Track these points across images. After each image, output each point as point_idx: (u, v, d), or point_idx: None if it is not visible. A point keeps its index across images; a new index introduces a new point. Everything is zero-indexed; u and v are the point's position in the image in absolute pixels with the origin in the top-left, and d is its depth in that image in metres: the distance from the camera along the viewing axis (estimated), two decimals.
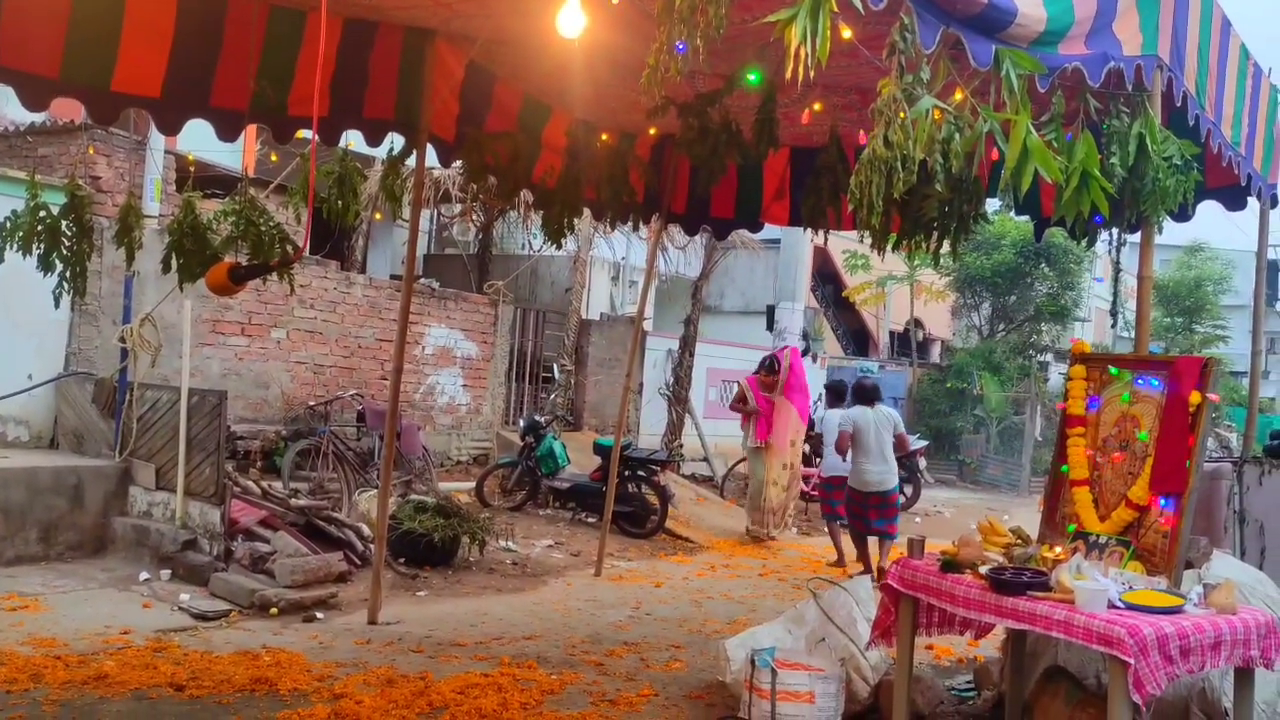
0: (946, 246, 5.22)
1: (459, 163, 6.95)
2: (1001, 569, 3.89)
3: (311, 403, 10.72)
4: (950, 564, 4.06)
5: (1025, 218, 6.92)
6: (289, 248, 5.64)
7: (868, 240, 5.49)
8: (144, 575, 6.96)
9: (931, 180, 3.30)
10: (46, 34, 4.82)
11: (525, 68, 6.23)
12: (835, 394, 11.11)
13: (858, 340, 26.88)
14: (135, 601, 6.47)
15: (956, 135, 2.99)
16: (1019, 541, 4.29)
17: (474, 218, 16.09)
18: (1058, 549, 3.97)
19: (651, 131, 6.65)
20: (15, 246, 5.44)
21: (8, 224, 5.48)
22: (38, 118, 9.99)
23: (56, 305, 5.68)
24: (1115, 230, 5.00)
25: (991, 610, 3.79)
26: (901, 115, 2.91)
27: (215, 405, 7.57)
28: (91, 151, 9.42)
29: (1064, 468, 4.42)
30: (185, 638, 5.73)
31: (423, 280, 13.54)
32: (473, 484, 11.22)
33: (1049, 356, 22.75)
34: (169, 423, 7.70)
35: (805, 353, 17.34)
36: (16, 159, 9.93)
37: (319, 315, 11.39)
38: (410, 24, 5.75)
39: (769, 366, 11.27)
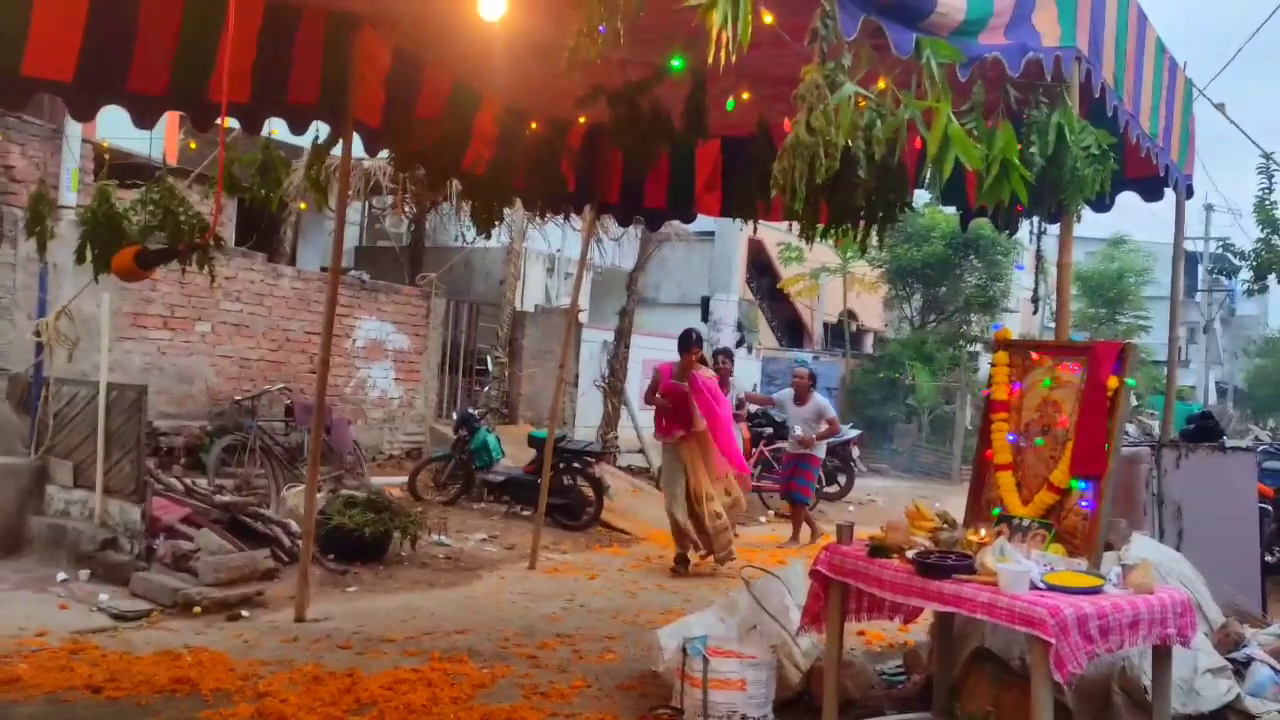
0: (874, 236, 5.27)
1: (387, 152, 6.85)
2: (927, 553, 3.94)
3: (238, 397, 10.49)
4: (878, 549, 4.10)
5: (952, 209, 7.02)
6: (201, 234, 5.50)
7: (800, 231, 5.55)
8: (61, 576, 6.74)
9: (856, 168, 3.32)
10: None
11: (454, 54, 6.15)
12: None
13: (792, 332, 27.14)
14: (51, 602, 6.26)
15: (879, 122, 3.01)
16: (945, 526, 4.34)
17: (406, 210, 15.89)
18: (982, 532, 4.03)
19: (581, 120, 6.61)
20: None
21: None
22: None
23: None
24: (1036, 219, 5.09)
25: (918, 594, 3.83)
26: (824, 102, 2.92)
27: (135, 400, 7.36)
28: (2, 138, 9.09)
29: (989, 452, 4.49)
30: (104, 639, 5.56)
31: (353, 272, 13.33)
32: (405, 478, 11.10)
33: (979, 347, 23.22)
34: (87, 419, 7.47)
35: (740, 344, 17.46)
36: None
37: (245, 308, 11.16)
38: (335, 8, 5.63)
39: (687, 342, 9.05)
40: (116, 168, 7.60)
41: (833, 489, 14.77)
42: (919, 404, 21.05)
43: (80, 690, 4.62)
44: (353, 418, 11.97)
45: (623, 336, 14.86)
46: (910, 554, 3.97)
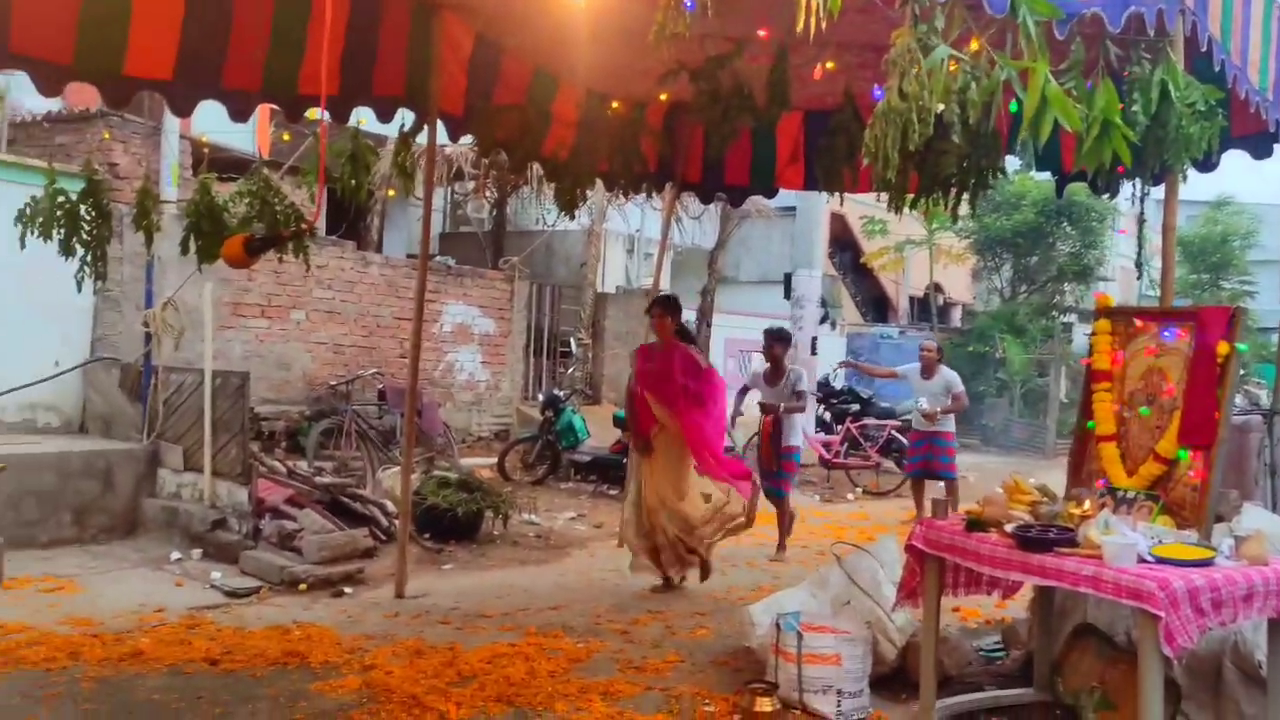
0: (966, 204, 5.16)
1: (468, 138, 6.93)
2: (1027, 526, 3.86)
3: (333, 382, 10.77)
4: (975, 523, 4.03)
5: (1046, 174, 6.82)
6: (300, 223, 5.64)
7: (885, 204, 5.44)
8: (175, 555, 7.04)
9: (949, 134, 3.25)
10: (58, 20, 4.81)
11: (533, 39, 6.19)
12: (784, 342, 8.51)
13: (876, 307, 26.75)
14: (168, 580, 6.55)
15: (973, 85, 2.94)
16: (1044, 499, 4.25)
17: (488, 194, 16.07)
18: (1085, 505, 3.93)
19: (663, 98, 6.59)
20: (35, 232, 5.46)
21: (28, 210, 5.50)
22: (54, 105, 10.02)
23: (79, 290, 5.71)
24: (1138, 181, 4.91)
25: (1018, 568, 3.76)
26: (916, 66, 2.86)
27: (238, 386, 7.63)
28: (107, 136, 9.44)
29: (1090, 423, 4.38)
30: (218, 614, 5.80)
31: (439, 258, 13.54)
32: (494, 459, 11.28)
33: (1073, 317, 22.56)
34: (194, 405, 7.76)
35: (823, 320, 17.27)
36: (34, 147, 9.96)
37: (337, 295, 11.43)
38: None
39: (665, 305, 6.94)
40: (213, 161, 7.83)
41: None
42: (1010, 377, 20.57)
43: (199, 663, 4.83)
44: (442, 401, 12.20)
45: (704, 315, 14.83)
46: (1009, 528, 3.90)
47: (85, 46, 4.91)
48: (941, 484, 9.73)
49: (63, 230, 5.59)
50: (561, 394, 11.74)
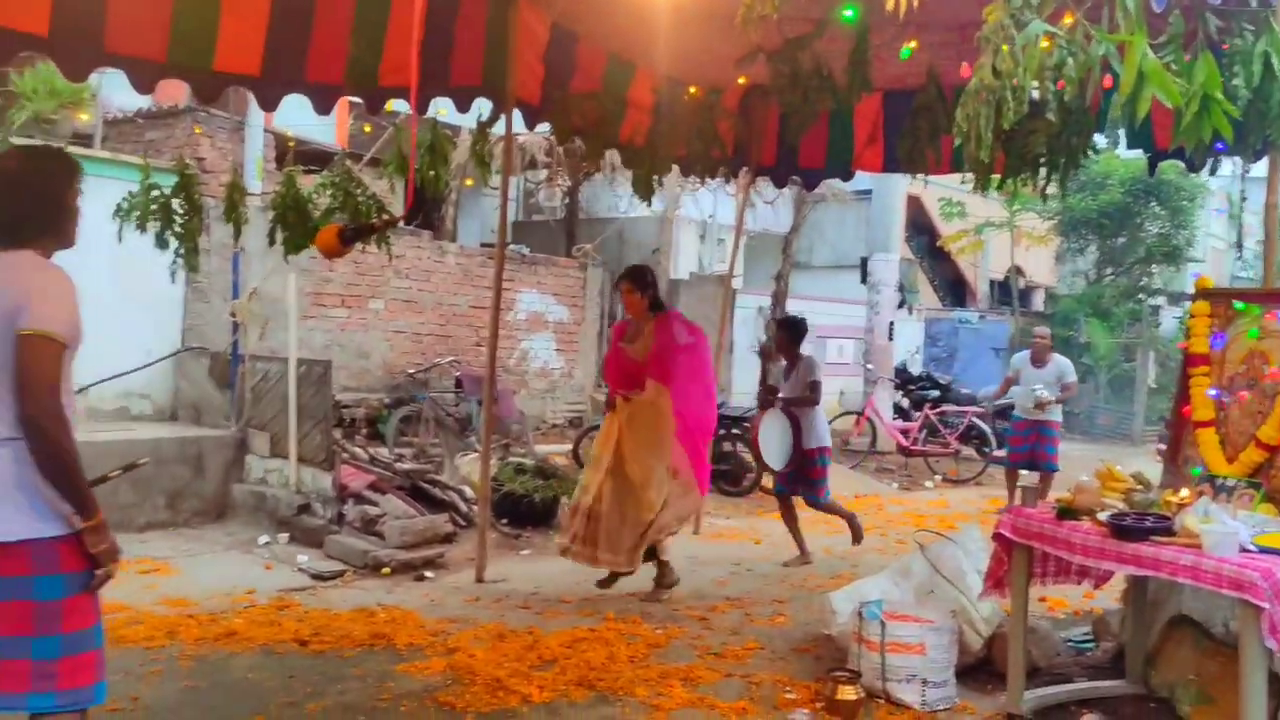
0: (1054, 184, 5.02)
1: (545, 126, 6.96)
2: (1122, 514, 3.76)
3: (411, 370, 10.93)
4: (1067, 511, 3.94)
5: (1137, 152, 6.60)
6: (386, 215, 5.73)
7: (965, 186, 5.32)
8: (263, 538, 7.24)
9: (1039, 112, 3.16)
10: (152, 19, 4.95)
11: (608, 26, 6.19)
12: (797, 331, 7.70)
13: (954, 291, 26.24)
14: (257, 563, 6.74)
15: (1070, 60, 2.85)
16: (1139, 487, 4.14)
17: (560, 183, 16.14)
18: (1182, 493, 3.82)
19: (740, 82, 6.54)
20: (132, 225, 5.65)
21: (124, 204, 5.69)
22: (144, 103, 10.31)
23: (173, 280, 5.89)
24: (1238, 158, 4.72)
25: (1112, 557, 3.67)
26: (1010, 43, 2.79)
27: (321, 375, 7.80)
28: (199, 131, 9.70)
29: (1186, 409, 4.25)
30: (305, 596, 5.95)
31: (512, 246, 13.65)
32: (569, 446, 11.34)
33: (1161, 300, 21.84)
34: (279, 393, 7.95)
35: (901, 304, 17.02)
36: (126, 144, 10.28)
37: (414, 285, 11.59)
38: None
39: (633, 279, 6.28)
40: (295, 155, 7.99)
41: (1002, 452, 14.29)
42: (1095, 362, 20.02)
43: (289, 643, 4.97)
44: (517, 388, 12.31)
45: (778, 301, 14.72)
46: (1103, 516, 3.80)
47: (177, 44, 5.05)
48: (1024, 472, 9.55)
49: (157, 223, 5.79)
50: None
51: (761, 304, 15.32)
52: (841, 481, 11.47)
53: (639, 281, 6.20)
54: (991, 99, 2.73)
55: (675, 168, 7.46)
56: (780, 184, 8.92)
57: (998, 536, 4.25)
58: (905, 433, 13.24)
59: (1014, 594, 4.26)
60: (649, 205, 7.47)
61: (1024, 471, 9.60)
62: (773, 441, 7.33)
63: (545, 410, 13.19)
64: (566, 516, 6.38)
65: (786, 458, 7.31)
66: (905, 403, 15.24)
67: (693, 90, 6.59)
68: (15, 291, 2.58)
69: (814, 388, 7.37)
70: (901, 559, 5.47)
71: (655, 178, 6.71)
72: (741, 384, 15.21)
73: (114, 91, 10.90)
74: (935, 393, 14.85)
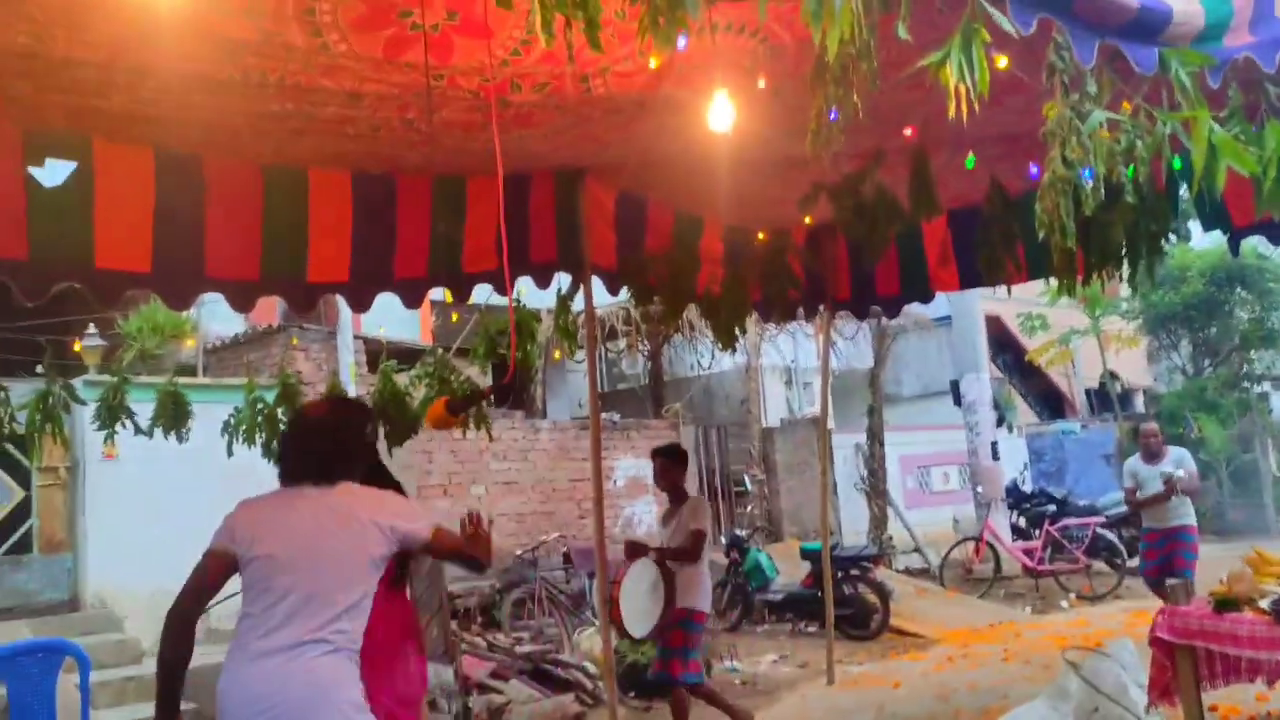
0: (1143, 275, 4.95)
1: (622, 295, 7.15)
2: None
3: (519, 551, 10.94)
4: (1226, 602, 3.72)
5: (1210, 241, 6.49)
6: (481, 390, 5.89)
7: (1043, 300, 5.28)
8: None
9: (1113, 202, 3.16)
10: (246, 243, 5.29)
11: (671, 187, 6.41)
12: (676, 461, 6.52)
13: (1050, 403, 25.60)
14: None
15: (1138, 142, 2.87)
16: None
17: (640, 348, 16.44)
18: None
19: (806, 221, 6.69)
20: (240, 439, 5.88)
21: (231, 420, 5.95)
22: (240, 327, 10.91)
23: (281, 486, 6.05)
24: None
25: None
26: (1076, 133, 2.83)
27: (433, 566, 7.83)
28: (296, 342, 10.18)
29: None
30: None
31: (603, 415, 13.82)
32: None
33: (1267, 385, 21.00)
34: None
35: (1000, 423, 16.66)
36: (226, 369, 10.83)
37: (512, 465, 11.74)
38: (559, 166, 6.03)
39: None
40: (386, 353, 8.31)
41: (1134, 563, 13.58)
42: (1212, 457, 19.15)
43: None
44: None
45: (875, 436, 14.54)
46: (1264, 603, 3.58)
47: (270, 263, 5.37)
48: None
49: (263, 435, 6.02)
50: (743, 534, 11.58)
51: (858, 440, 15.14)
52: (971, 611, 10.99)
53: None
54: (1066, 189, 2.75)
55: (754, 313, 7.55)
56: (860, 315, 8.95)
57: (1155, 641, 4.01)
58: (1029, 553, 12.72)
59: (1185, 700, 3.98)
60: (732, 354, 7.54)
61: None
62: (638, 599, 5.84)
63: None
64: None
65: (654, 623, 5.88)
66: (1022, 522, 14.72)
67: (760, 235, 6.74)
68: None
69: (697, 538, 5.97)
70: (1055, 682, 5.16)
71: (736, 325, 6.79)
72: (850, 524, 14.87)
73: (212, 321, 11.60)
74: (1052, 508, 14.31)
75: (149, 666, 8.73)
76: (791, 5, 2.82)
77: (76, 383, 6.58)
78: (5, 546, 9.49)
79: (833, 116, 2.83)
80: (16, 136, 4.29)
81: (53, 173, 4.51)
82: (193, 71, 3.73)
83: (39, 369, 6.37)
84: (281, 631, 2.89)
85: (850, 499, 15.14)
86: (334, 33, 3.53)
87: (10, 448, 8.32)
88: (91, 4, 3.17)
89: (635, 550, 6.00)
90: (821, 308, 8.22)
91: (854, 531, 14.54)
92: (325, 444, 3.23)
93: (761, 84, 3.62)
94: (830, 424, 15.24)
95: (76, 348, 10.10)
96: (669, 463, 6.35)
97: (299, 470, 3.21)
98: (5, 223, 4.36)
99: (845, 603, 10.12)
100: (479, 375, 7.53)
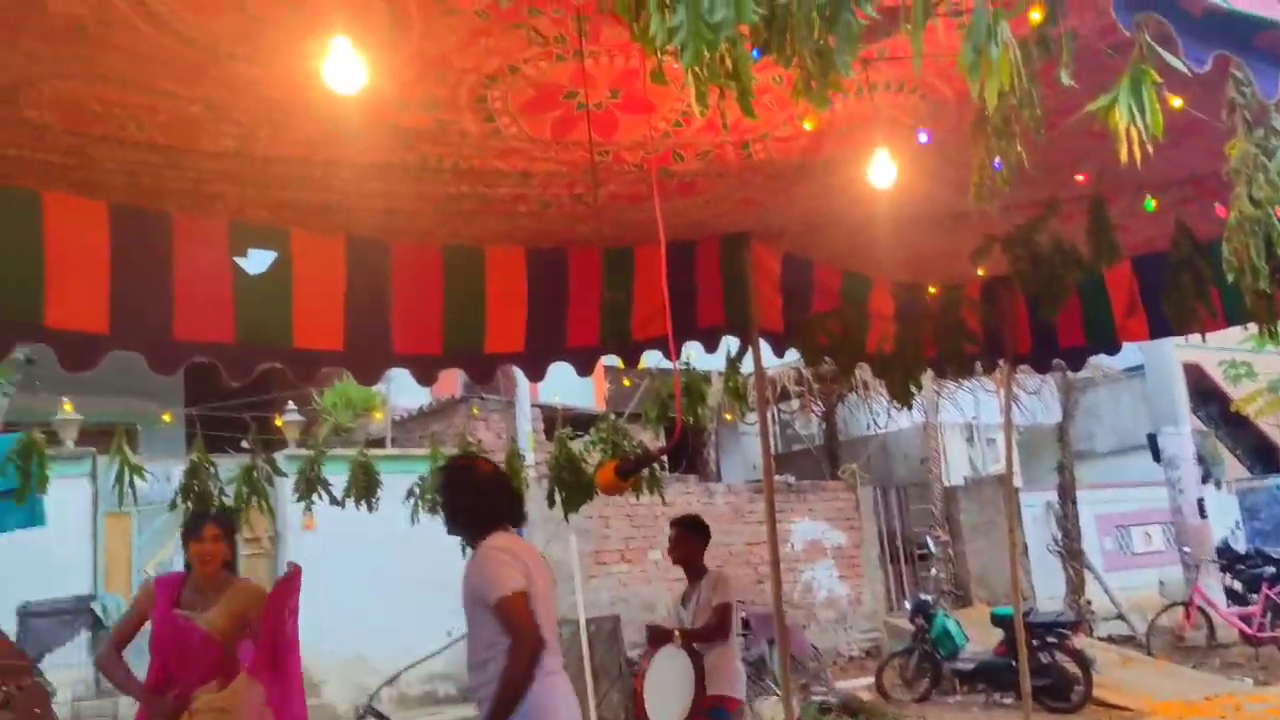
0: None
1: (787, 357, 7.10)
2: None
3: None
4: None
5: None
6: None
7: (1245, 346, 4.92)
8: None
9: None
10: (429, 321, 5.57)
11: (836, 246, 6.36)
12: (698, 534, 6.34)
13: (1262, 456, 23.65)
14: None
15: None
16: None
17: (813, 409, 16.24)
18: None
19: (980, 273, 6.50)
20: (425, 509, 6.14)
21: (415, 489, 6.22)
22: (423, 399, 11.44)
23: (463, 554, 6.26)
24: None
25: None
26: (1263, 171, 2.66)
27: (611, 630, 7.93)
28: (475, 412, 10.60)
29: None
30: None
31: (777, 477, 13.68)
32: (870, 678, 10.77)
33: None
34: (572, 653, 8.09)
35: (1206, 479, 15.51)
36: (412, 440, 11.35)
37: None
38: (724, 231, 6.10)
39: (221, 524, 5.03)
40: (559, 420, 8.52)
41: None
42: None
43: None
44: (805, 622, 11.94)
45: (1066, 493, 13.79)
46: None
47: (451, 337, 5.62)
48: None
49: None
50: (929, 599, 11.14)
51: (1048, 499, 14.39)
52: (1184, 683, 10.16)
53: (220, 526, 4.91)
54: (1257, 229, 2.59)
55: (929, 371, 7.35)
56: (1042, 369, 8.57)
57: None
58: (1247, 619, 11.71)
59: None
60: (909, 411, 7.35)
61: None
62: (664, 690, 5.31)
63: (838, 641, 12.67)
64: None
65: (685, 714, 5.28)
66: (1237, 585, 13.58)
67: (932, 290, 6.58)
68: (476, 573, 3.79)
69: (723, 612, 5.54)
70: None
71: (912, 381, 6.63)
72: (1044, 588, 14.09)
73: (398, 396, 12.20)
74: (1271, 569, 13.17)
75: None
76: (950, 60, 2.79)
77: (278, 456, 7.04)
78: None
79: (997, 167, 2.76)
80: (223, 229, 4.68)
81: (255, 261, 4.89)
82: (378, 162, 4.00)
83: (243, 444, 6.83)
84: (555, 656, 3.66)
85: (1043, 561, 14.36)
86: (505, 117, 3.73)
87: None
88: (290, 107, 3.46)
89: (658, 636, 5.56)
90: (1001, 362, 7.91)
91: (1048, 596, 13.76)
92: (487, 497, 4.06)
93: (924, 139, 3.57)
94: (1017, 482, 14.59)
95: (278, 423, 10.81)
96: (686, 534, 5.99)
97: (519, 514, 4.14)
98: (215, 309, 4.74)
99: (1043, 672, 9.56)
100: (651, 439, 7.61)
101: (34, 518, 6.49)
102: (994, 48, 2.10)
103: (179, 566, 10.11)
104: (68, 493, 9.02)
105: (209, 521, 4.92)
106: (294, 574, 4.86)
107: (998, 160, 2.72)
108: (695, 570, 5.92)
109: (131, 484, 5.55)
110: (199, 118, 3.48)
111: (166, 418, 11.20)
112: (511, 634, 3.54)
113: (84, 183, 4.02)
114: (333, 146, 3.80)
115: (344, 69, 2.85)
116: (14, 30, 2.80)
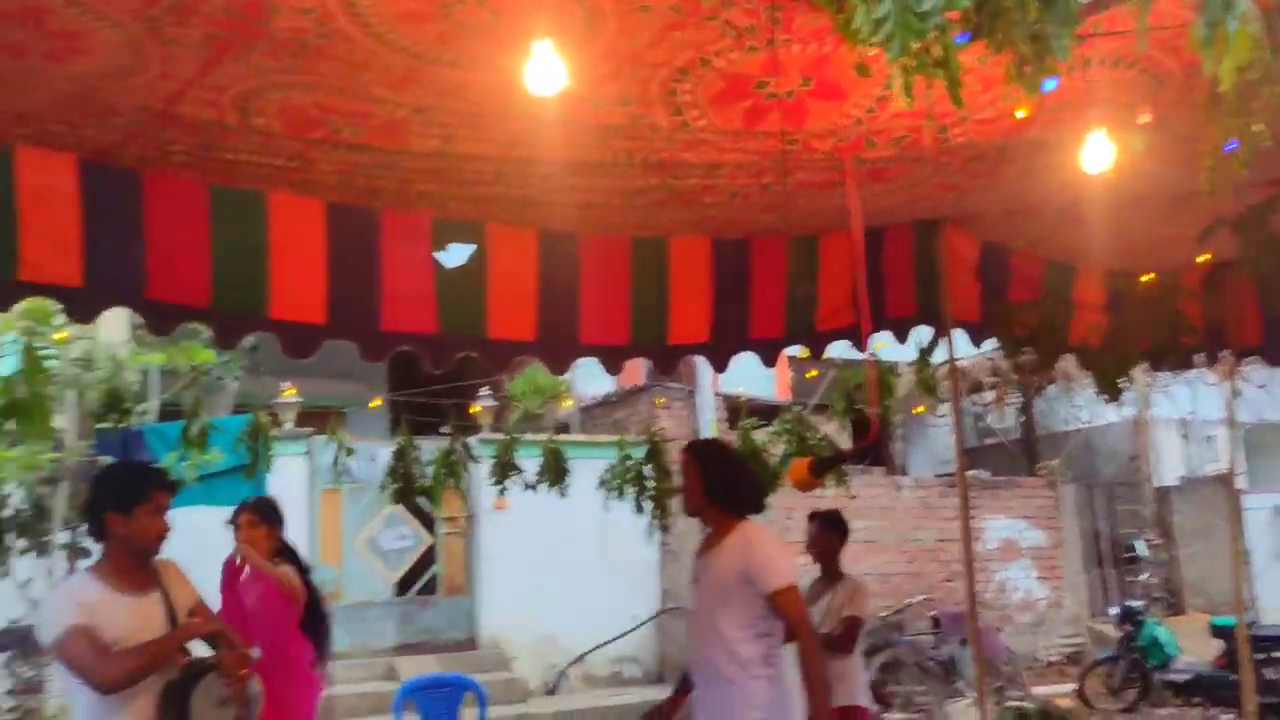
0: None
1: (982, 347, 6.80)
2: None
3: (883, 614, 10.62)
4: None
5: None
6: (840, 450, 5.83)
7: None
8: None
9: None
10: (616, 311, 5.60)
11: (1039, 234, 6.03)
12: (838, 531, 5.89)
13: None
14: None
15: None
16: None
17: (1009, 402, 15.54)
18: None
19: (1200, 259, 6.03)
20: (613, 494, 6.25)
21: (606, 476, 6.34)
22: (609, 387, 11.64)
23: (649, 538, 6.36)
24: None
25: None
26: None
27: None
28: (660, 402, 10.72)
29: None
30: None
31: (970, 472, 13.17)
32: (1071, 685, 10.25)
33: None
34: None
35: None
36: (596, 426, 11.58)
37: (874, 524, 11.48)
38: (916, 217, 5.90)
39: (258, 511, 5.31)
40: (743, 410, 8.49)
41: None
42: None
43: None
44: (1000, 624, 11.47)
45: None
46: None
47: (637, 328, 5.67)
48: None
49: (633, 490, 6.36)
50: (1138, 605, 10.48)
51: (1276, 502, 13.26)
52: None
53: (264, 514, 5.27)
54: None
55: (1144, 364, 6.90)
56: (1273, 362, 7.88)
57: None
58: None
59: None
60: (1118, 406, 6.91)
61: None
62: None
63: (1035, 646, 12.11)
64: None
65: None
66: None
67: (1146, 279, 6.16)
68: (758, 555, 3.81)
69: (852, 625, 5.12)
70: None
71: (1122, 375, 6.24)
72: (1270, 599, 13.00)
73: (585, 384, 12.47)
74: None
75: (534, 706, 9.46)
76: (1175, 31, 2.58)
77: (472, 440, 7.34)
78: (416, 587, 10.71)
79: (1232, 146, 2.54)
80: (427, 225, 4.90)
81: (454, 255, 5.09)
82: (571, 158, 4.08)
83: (442, 429, 7.14)
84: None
85: (1270, 569, 13.25)
86: (694, 110, 3.72)
87: (419, 500, 9.40)
88: (492, 109, 3.58)
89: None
90: (1225, 355, 7.33)
91: (1274, 608, 12.69)
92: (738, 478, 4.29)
93: (1145, 118, 3.33)
94: (1241, 483, 13.47)
95: (474, 409, 11.25)
96: (826, 529, 5.68)
97: (761, 503, 4.22)
98: (419, 302, 4.97)
99: (1270, 689, 8.82)
100: (836, 431, 7.47)
101: (260, 492, 7.02)
102: (1231, 21, 1.91)
103: (384, 542, 10.63)
104: (288, 470, 9.69)
105: (244, 510, 5.25)
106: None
107: (1234, 140, 2.50)
108: (831, 569, 5.63)
109: (345, 463, 5.94)
110: (407, 120, 3.65)
111: (377, 402, 11.86)
112: (798, 625, 3.75)
113: (303, 183, 4.29)
114: (529, 145, 3.90)
115: (545, 70, 2.91)
116: (245, 47, 3.01)
